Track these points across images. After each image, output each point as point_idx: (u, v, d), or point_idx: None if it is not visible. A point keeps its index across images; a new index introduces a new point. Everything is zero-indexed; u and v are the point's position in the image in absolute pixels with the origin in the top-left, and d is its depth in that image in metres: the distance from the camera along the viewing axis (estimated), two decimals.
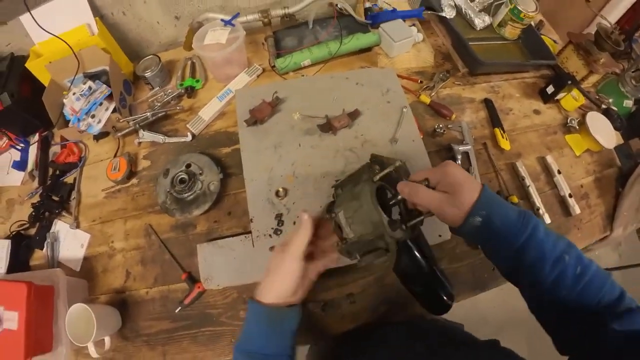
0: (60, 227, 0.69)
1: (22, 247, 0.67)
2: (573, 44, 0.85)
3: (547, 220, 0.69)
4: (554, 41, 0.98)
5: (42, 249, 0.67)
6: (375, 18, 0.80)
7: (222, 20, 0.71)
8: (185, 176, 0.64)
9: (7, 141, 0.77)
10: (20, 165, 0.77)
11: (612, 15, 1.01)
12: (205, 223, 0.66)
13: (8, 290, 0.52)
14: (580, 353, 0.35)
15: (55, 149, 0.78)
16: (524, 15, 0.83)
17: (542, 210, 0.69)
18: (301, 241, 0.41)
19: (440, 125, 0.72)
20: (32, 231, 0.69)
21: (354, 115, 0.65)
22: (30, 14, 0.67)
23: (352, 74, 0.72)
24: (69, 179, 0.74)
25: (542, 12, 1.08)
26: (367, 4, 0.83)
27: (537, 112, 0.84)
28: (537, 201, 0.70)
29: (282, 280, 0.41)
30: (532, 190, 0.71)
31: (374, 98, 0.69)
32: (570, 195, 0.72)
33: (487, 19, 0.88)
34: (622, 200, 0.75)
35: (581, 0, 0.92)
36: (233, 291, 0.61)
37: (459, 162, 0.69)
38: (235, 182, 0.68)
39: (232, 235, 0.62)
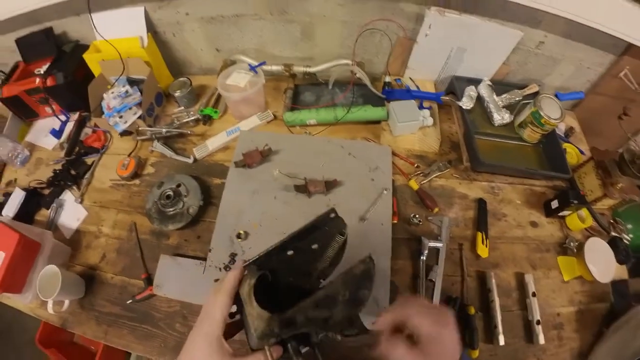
0: (68, 197, 0.81)
1: (33, 202, 0.80)
2: (594, 161, 0.79)
3: (501, 342, 0.65)
4: (581, 151, 0.91)
5: (47, 209, 0.79)
6: (391, 94, 0.81)
7: (249, 65, 0.79)
8: (171, 193, 0.71)
9: (52, 110, 0.90)
10: (56, 133, 0.90)
11: None
12: (177, 238, 0.72)
13: (3, 234, 0.63)
14: None
15: (87, 130, 0.90)
16: (545, 121, 0.78)
17: (499, 329, 0.65)
18: None
19: (417, 215, 0.72)
20: (46, 192, 0.81)
21: (331, 184, 0.68)
22: (90, 16, 0.79)
23: (348, 144, 0.75)
24: (89, 160, 0.85)
25: (579, 119, 1.03)
26: (388, 78, 0.85)
27: (534, 224, 0.79)
28: (497, 319, 0.66)
29: None
30: (495, 306, 0.68)
31: (359, 172, 0.71)
32: (538, 322, 0.67)
33: (507, 117, 0.86)
34: (602, 343, 0.68)
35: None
36: (177, 304, 0.66)
37: (424, 257, 0.68)
38: (214, 212, 0.73)
39: (193, 257, 0.69)
